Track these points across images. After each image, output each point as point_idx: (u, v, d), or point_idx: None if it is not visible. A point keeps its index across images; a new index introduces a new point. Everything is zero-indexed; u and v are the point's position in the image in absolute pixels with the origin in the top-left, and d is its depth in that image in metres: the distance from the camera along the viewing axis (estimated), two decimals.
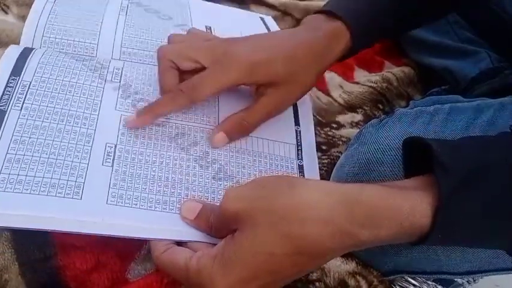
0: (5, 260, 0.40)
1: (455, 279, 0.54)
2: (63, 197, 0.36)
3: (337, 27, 0.44)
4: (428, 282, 0.50)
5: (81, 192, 0.37)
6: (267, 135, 0.48)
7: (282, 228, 0.31)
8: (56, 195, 0.36)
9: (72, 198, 0.36)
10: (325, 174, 0.56)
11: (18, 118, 0.39)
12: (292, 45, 0.43)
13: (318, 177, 0.49)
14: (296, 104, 0.52)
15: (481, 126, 0.44)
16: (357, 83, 0.73)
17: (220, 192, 0.42)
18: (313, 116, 0.65)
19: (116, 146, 0.40)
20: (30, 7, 0.50)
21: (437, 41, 0.72)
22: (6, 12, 0.61)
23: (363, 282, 0.46)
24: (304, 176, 0.48)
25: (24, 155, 0.37)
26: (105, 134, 0.41)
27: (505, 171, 0.31)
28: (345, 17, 0.44)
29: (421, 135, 0.40)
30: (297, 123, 0.51)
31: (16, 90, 0.41)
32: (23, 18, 0.53)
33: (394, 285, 0.48)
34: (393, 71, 0.75)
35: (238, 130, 0.45)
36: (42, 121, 0.40)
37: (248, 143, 0.46)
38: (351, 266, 0.47)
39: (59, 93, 0.42)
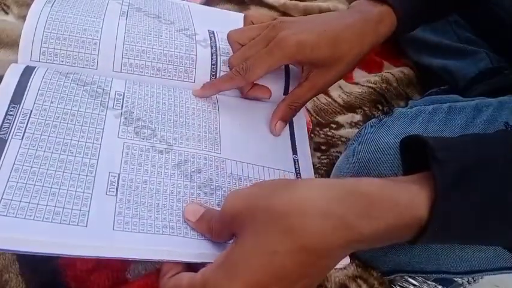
0: (5, 259, 0.40)
1: (456, 279, 0.54)
2: (68, 224, 0.35)
3: (384, 11, 0.45)
4: (429, 282, 0.50)
5: (86, 220, 0.35)
6: (267, 163, 0.47)
7: (282, 223, 0.30)
8: (60, 222, 0.34)
9: (78, 225, 0.35)
10: (325, 174, 0.56)
11: (20, 147, 0.38)
12: (338, 27, 0.44)
13: None
14: (294, 132, 0.52)
15: (480, 125, 0.44)
16: (356, 83, 0.72)
17: None
18: (313, 116, 0.65)
19: (119, 175, 0.39)
20: (30, 7, 0.50)
21: (436, 41, 0.71)
22: (6, 12, 0.61)
23: (364, 286, 0.46)
24: None
25: (26, 183, 0.36)
26: (108, 163, 0.40)
27: (502, 166, 0.31)
28: (392, 1, 0.45)
29: (420, 135, 0.40)
30: (294, 152, 0.51)
31: (17, 119, 0.40)
32: (23, 18, 0.52)
33: (395, 286, 0.48)
34: (392, 72, 0.75)
35: (291, 113, 0.48)
36: (44, 151, 0.38)
37: (250, 171, 0.46)
38: (349, 270, 0.46)
39: (60, 122, 0.41)
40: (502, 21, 0.62)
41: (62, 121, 0.41)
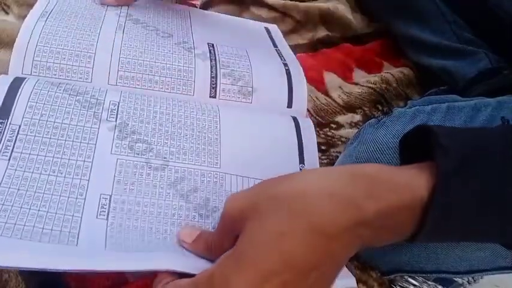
0: None
1: (456, 279, 0.54)
2: (57, 243, 0.33)
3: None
4: (429, 282, 0.50)
5: (76, 240, 0.34)
6: (268, 176, 0.46)
7: (288, 206, 0.29)
8: (49, 242, 0.33)
9: (67, 244, 0.33)
10: None
11: (6, 169, 0.36)
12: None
13: None
14: (302, 141, 0.49)
15: (479, 125, 0.43)
16: (356, 83, 0.72)
17: None
18: (313, 116, 0.65)
19: (110, 197, 0.37)
20: (31, 7, 0.47)
21: (435, 42, 0.71)
22: (6, 12, 0.61)
23: None
24: None
25: (12, 205, 0.34)
26: (99, 184, 0.38)
27: (500, 158, 0.30)
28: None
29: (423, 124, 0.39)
30: (301, 161, 0.48)
31: (4, 137, 0.38)
32: (23, 18, 0.52)
33: (395, 286, 0.48)
34: (392, 72, 0.75)
35: None
36: (32, 172, 0.36)
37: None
38: None
39: (50, 138, 0.39)
40: (501, 22, 0.62)
41: (52, 137, 0.39)
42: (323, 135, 0.62)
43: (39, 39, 0.45)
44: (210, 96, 0.50)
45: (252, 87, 0.51)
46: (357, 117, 0.67)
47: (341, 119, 0.66)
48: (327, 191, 0.29)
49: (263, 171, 0.45)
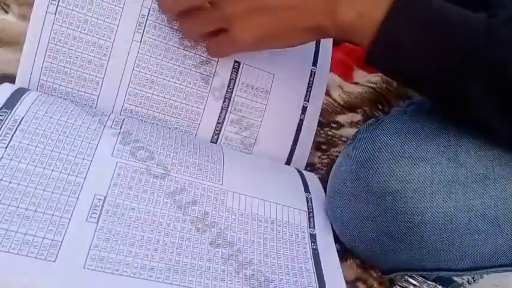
0: None
1: (455, 279, 0.54)
2: (35, 257, 0.31)
3: None
4: (428, 282, 0.50)
5: (56, 253, 0.32)
6: (274, 198, 0.44)
7: None
8: (27, 255, 0.31)
9: (45, 259, 0.31)
10: (325, 174, 0.56)
11: (2, 158, 0.34)
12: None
13: (335, 251, 0.44)
14: (303, 174, 0.50)
15: None
16: (357, 83, 0.73)
17: (216, 261, 0.37)
18: None
19: (105, 199, 0.36)
20: (30, 6, 0.46)
21: None
22: (6, 12, 0.61)
23: (363, 287, 0.46)
24: (317, 248, 0.43)
25: (0, 201, 0.32)
26: (95, 183, 0.36)
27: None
28: None
29: (417, 133, 0.40)
30: (306, 190, 0.48)
31: (5, 125, 0.36)
32: (23, 17, 0.52)
33: (395, 286, 0.48)
34: None
35: None
36: (28, 164, 0.35)
37: (254, 206, 0.42)
38: (349, 272, 0.46)
39: (52, 132, 0.37)
40: None
41: (54, 132, 0.38)
42: (323, 135, 0.62)
43: (47, 52, 0.43)
44: (211, 141, 0.49)
45: (255, 139, 0.50)
46: (358, 117, 0.67)
47: (341, 118, 0.66)
48: None
49: (267, 192, 0.44)
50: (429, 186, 0.38)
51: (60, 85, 0.43)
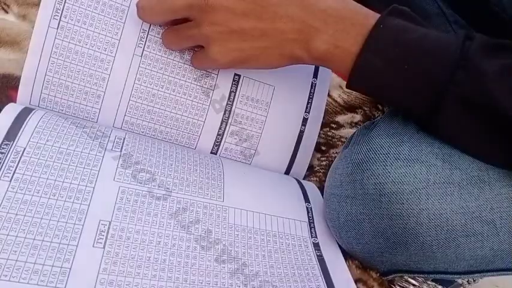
0: None
1: (455, 280, 0.54)
2: (45, 285, 0.32)
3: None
4: (428, 282, 0.50)
5: (65, 280, 0.32)
6: (274, 211, 0.45)
7: None
8: (37, 284, 0.31)
9: (56, 287, 0.32)
10: (323, 176, 0.56)
11: (7, 191, 0.35)
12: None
13: (341, 255, 0.45)
14: (303, 184, 0.50)
15: None
16: None
17: (223, 276, 0.38)
18: None
19: (110, 224, 0.37)
20: (30, 6, 0.47)
21: None
22: (6, 12, 0.62)
23: None
24: (322, 255, 0.44)
25: (7, 235, 0.33)
26: (99, 209, 0.37)
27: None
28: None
29: (412, 135, 0.40)
30: (306, 199, 0.48)
31: (8, 158, 0.37)
32: (23, 17, 0.52)
33: (394, 286, 0.48)
34: None
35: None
36: (32, 195, 0.36)
37: (255, 221, 0.43)
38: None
39: (54, 161, 0.38)
40: (502, 22, 0.62)
41: (56, 160, 0.38)
42: (323, 135, 0.62)
43: (49, 66, 0.43)
44: (211, 152, 0.49)
45: (256, 150, 0.50)
46: (357, 117, 0.67)
47: (341, 118, 0.66)
48: None
49: (267, 205, 0.45)
50: (424, 188, 0.38)
51: (61, 99, 0.43)
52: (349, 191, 0.42)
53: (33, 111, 0.41)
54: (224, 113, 0.48)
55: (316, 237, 0.45)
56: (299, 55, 0.41)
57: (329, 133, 0.63)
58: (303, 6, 0.40)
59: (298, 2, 0.40)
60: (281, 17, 0.40)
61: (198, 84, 0.47)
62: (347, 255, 0.47)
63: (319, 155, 0.59)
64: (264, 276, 0.39)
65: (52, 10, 0.42)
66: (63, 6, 0.43)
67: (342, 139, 0.62)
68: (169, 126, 0.47)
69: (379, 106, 0.70)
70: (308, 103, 0.52)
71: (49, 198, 0.36)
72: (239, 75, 0.49)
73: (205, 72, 0.47)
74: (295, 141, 0.51)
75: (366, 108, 0.68)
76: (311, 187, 0.51)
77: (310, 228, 0.46)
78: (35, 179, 0.37)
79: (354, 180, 0.41)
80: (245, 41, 0.41)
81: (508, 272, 0.43)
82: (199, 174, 0.44)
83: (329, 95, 0.69)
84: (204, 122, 0.48)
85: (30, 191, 0.36)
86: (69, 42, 0.43)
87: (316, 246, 0.45)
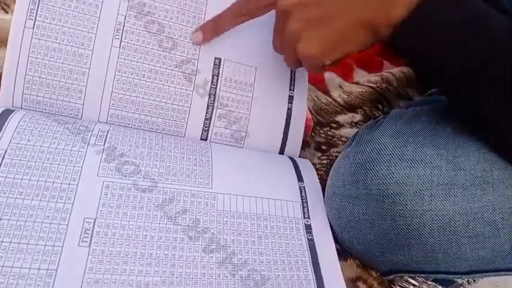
0: None
1: (455, 280, 0.54)
2: None
3: None
4: (428, 282, 0.50)
5: (52, 282, 0.32)
6: (265, 193, 0.44)
7: None
8: None
9: None
10: (325, 174, 0.56)
11: None
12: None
13: (331, 239, 0.45)
14: (297, 162, 0.49)
15: None
16: (357, 83, 0.72)
17: (211, 267, 0.38)
18: (314, 115, 0.65)
19: (95, 221, 0.36)
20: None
21: None
22: (6, 12, 0.62)
23: (363, 287, 0.46)
24: (313, 239, 0.43)
25: None
26: (83, 207, 0.37)
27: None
28: None
29: (417, 136, 0.40)
30: (300, 178, 0.48)
31: None
32: None
33: (394, 286, 0.48)
34: (393, 72, 0.74)
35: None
36: (15, 198, 0.35)
37: (245, 206, 0.42)
38: (349, 271, 0.47)
39: (36, 161, 0.38)
40: None
41: (38, 160, 0.38)
42: (323, 135, 0.62)
43: (28, 65, 0.43)
44: (200, 139, 0.49)
45: (246, 132, 0.50)
46: (358, 117, 0.67)
47: (341, 118, 0.66)
48: None
49: (258, 188, 0.44)
50: (428, 189, 0.38)
51: (44, 97, 0.43)
52: (351, 191, 0.42)
53: (14, 112, 0.41)
54: (209, 97, 0.48)
55: (309, 218, 0.45)
56: (379, 24, 0.38)
57: (329, 132, 0.63)
58: None
59: None
60: None
61: (180, 70, 0.47)
62: (348, 253, 0.47)
63: (319, 154, 0.59)
64: (253, 265, 0.39)
65: (27, 10, 0.43)
66: (38, 6, 0.43)
67: (342, 138, 0.62)
68: (155, 115, 0.46)
69: (379, 106, 0.70)
70: (291, 80, 0.52)
71: (32, 199, 0.36)
72: (219, 59, 0.48)
73: (185, 58, 0.47)
74: (285, 120, 0.51)
75: (366, 108, 0.68)
76: (305, 164, 0.50)
77: (303, 208, 0.45)
78: (18, 181, 0.36)
79: (357, 180, 0.41)
80: (329, 25, 0.39)
81: (509, 272, 0.43)
82: (186, 162, 0.43)
83: (329, 95, 0.69)
84: (190, 107, 0.47)
85: (13, 194, 0.36)
86: (46, 40, 0.43)
87: (308, 228, 0.44)
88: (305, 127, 0.54)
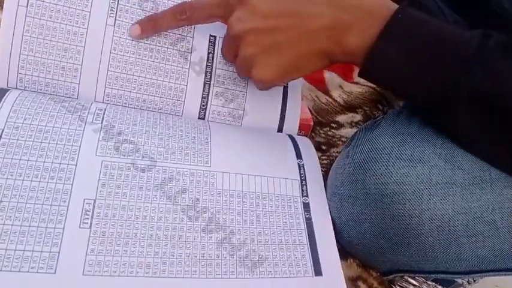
0: None
1: (456, 280, 0.54)
2: (36, 272, 0.32)
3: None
4: (428, 282, 0.50)
5: (55, 265, 0.32)
6: (264, 171, 0.44)
7: None
8: (28, 271, 0.32)
9: (46, 272, 0.32)
10: (324, 174, 0.56)
11: None
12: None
13: (329, 217, 0.44)
14: (295, 139, 0.49)
15: None
16: (357, 83, 0.72)
17: (210, 247, 0.38)
18: (314, 115, 0.65)
19: (95, 202, 0.36)
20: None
21: None
22: None
23: (363, 286, 0.46)
24: (310, 216, 0.43)
25: None
26: (83, 187, 0.36)
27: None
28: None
29: (415, 135, 0.40)
30: (298, 156, 0.47)
31: None
32: None
33: (394, 285, 0.48)
34: None
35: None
36: (15, 179, 0.35)
37: (244, 184, 0.42)
38: (349, 271, 0.47)
39: (33, 141, 0.37)
40: (502, 22, 0.62)
41: (36, 140, 0.37)
42: (323, 135, 0.62)
43: (22, 45, 0.42)
44: (198, 117, 0.48)
45: (243, 110, 0.49)
46: (358, 117, 0.67)
47: (341, 118, 0.66)
48: None
49: (257, 166, 0.44)
50: (427, 188, 0.38)
51: (39, 77, 0.43)
52: (350, 191, 0.42)
53: (9, 91, 0.41)
54: (205, 75, 0.48)
55: (307, 196, 0.45)
56: (333, 52, 0.40)
57: (329, 132, 0.63)
58: (333, 2, 0.39)
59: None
60: (313, 15, 0.39)
61: (175, 48, 0.47)
62: (348, 254, 0.47)
63: (319, 154, 0.59)
64: (251, 245, 0.39)
65: None
66: None
67: (342, 138, 0.62)
68: (152, 93, 0.46)
69: (379, 106, 0.70)
70: None
71: (31, 180, 0.36)
72: (214, 36, 0.48)
73: (180, 35, 0.47)
74: (281, 97, 0.51)
75: (366, 108, 0.68)
76: (304, 142, 0.50)
77: (302, 186, 0.45)
78: (16, 161, 0.36)
79: (356, 180, 0.41)
80: (283, 52, 0.40)
81: (509, 272, 0.43)
82: (184, 140, 0.43)
83: (329, 95, 0.69)
84: (187, 86, 0.47)
85: (12, 175, 0.35)
86: (40, 19, 0.43)
87: (306, 206, 0.44)
88: (305, 127, 0.54)
